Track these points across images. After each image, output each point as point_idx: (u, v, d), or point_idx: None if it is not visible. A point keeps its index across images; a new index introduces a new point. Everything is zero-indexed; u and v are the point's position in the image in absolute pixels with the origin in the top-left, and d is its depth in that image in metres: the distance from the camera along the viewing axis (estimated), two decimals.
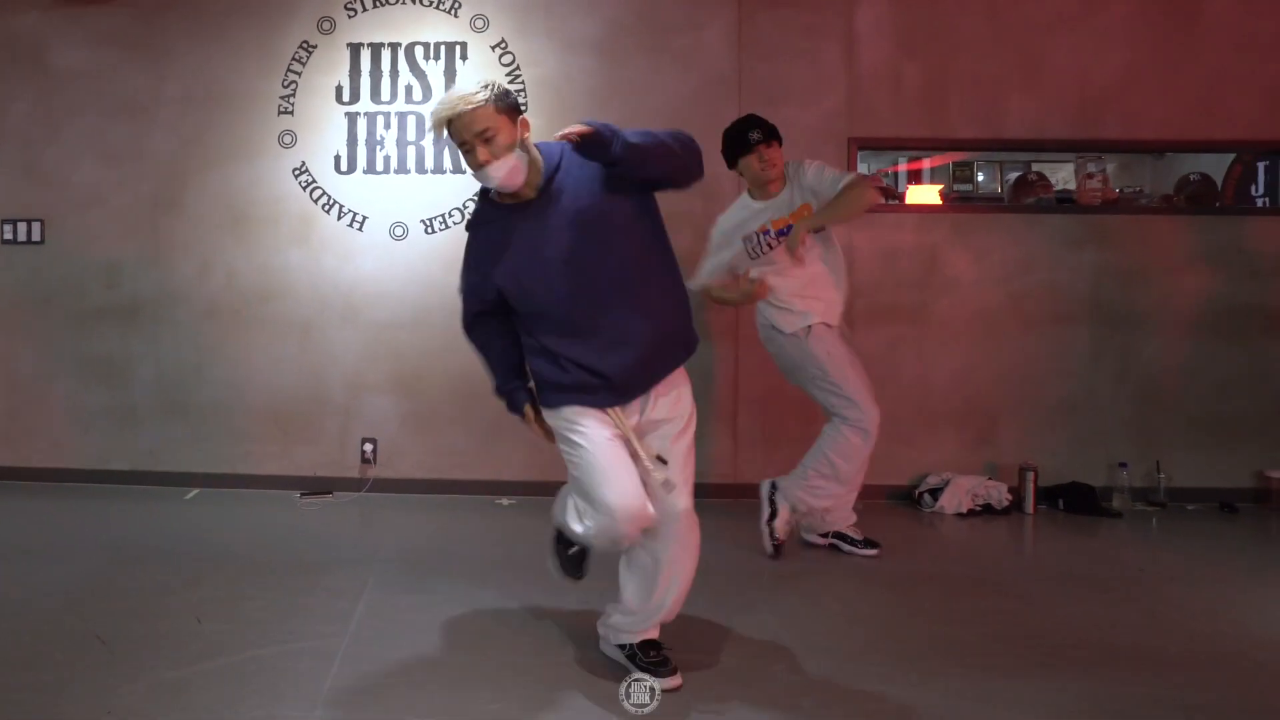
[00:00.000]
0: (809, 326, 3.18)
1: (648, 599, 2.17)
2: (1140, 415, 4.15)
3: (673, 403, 2.13)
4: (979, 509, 3.97)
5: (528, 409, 2.17)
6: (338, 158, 4.17)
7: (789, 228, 3.13)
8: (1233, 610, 2.78)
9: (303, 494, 4.09)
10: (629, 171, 1.92)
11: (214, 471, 4.19)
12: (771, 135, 3.17)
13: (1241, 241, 4.14)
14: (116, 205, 4.23)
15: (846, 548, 3.34)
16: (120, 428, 4.24)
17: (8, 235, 4.23)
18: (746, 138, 3.15)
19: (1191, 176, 4.43)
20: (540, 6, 4.14)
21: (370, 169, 4.16)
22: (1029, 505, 3.99)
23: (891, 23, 4.13)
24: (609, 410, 2.06)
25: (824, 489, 3.25)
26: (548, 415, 2.13)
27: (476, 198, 2.21)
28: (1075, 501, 4.02)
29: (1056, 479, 4.08)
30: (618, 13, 4.14)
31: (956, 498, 3.98)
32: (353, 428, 4.20)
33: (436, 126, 1.96)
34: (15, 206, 4.24)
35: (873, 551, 3.31)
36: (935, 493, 4.02)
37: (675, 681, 2.12)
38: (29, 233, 4.22)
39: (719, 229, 3.30)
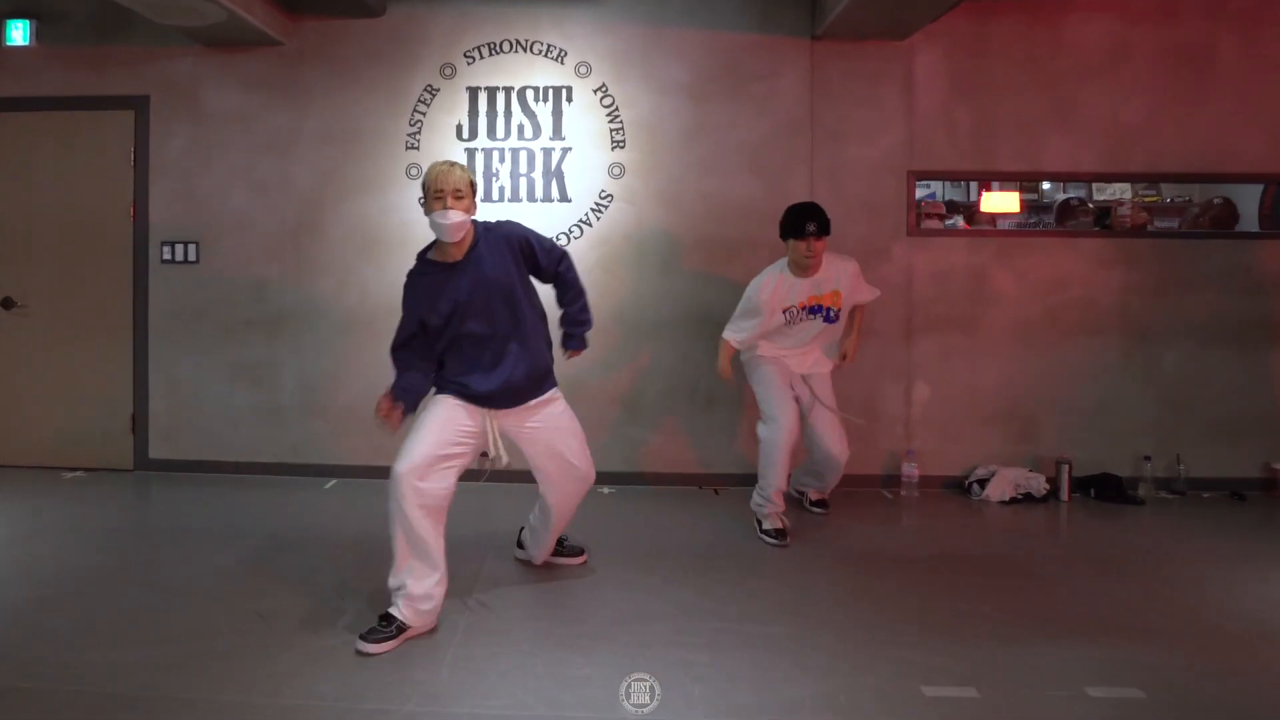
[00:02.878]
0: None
1: None
2: (1162, 414, 4.64)
3: (551, 414, 3.03)
4: (1020, 497, 4.44)
5: (387, 402, 2.82)
6: None
7: (818, 306, 3.76)
8: (1218, 587, 3.22)
9: None
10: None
11: (349, 464, 4.68)
12: (824, 231, 3.65)
13: (1250, 262, 4.64)
14: (263, 230, 4.74)
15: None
16: (267, 425, 4.74)
17: (166, 255, 4.72)
18: (804, 227, 3.62)
19: (1215, 200, 4.83)
20: (637, 54, 4.65)
21: (486, 198, 4.66)
22: (1064, 493, 4.48)
23: (945, 71, 4.65)
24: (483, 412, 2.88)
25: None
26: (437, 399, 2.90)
27: (417, 258, 2.94)
28: (1104, 490, 4.51)
29: (1088, 470, 4.58)
30: (705, 61, 4.65)
31: (1001, 487, 4.47)
32: None
33: (432, 180, 2.75)
34: (173, 230, 4.74)
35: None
36: (983, 483, 4.53)
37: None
38: (185, 253, 4.72)
39: (760, 298, 3.73)
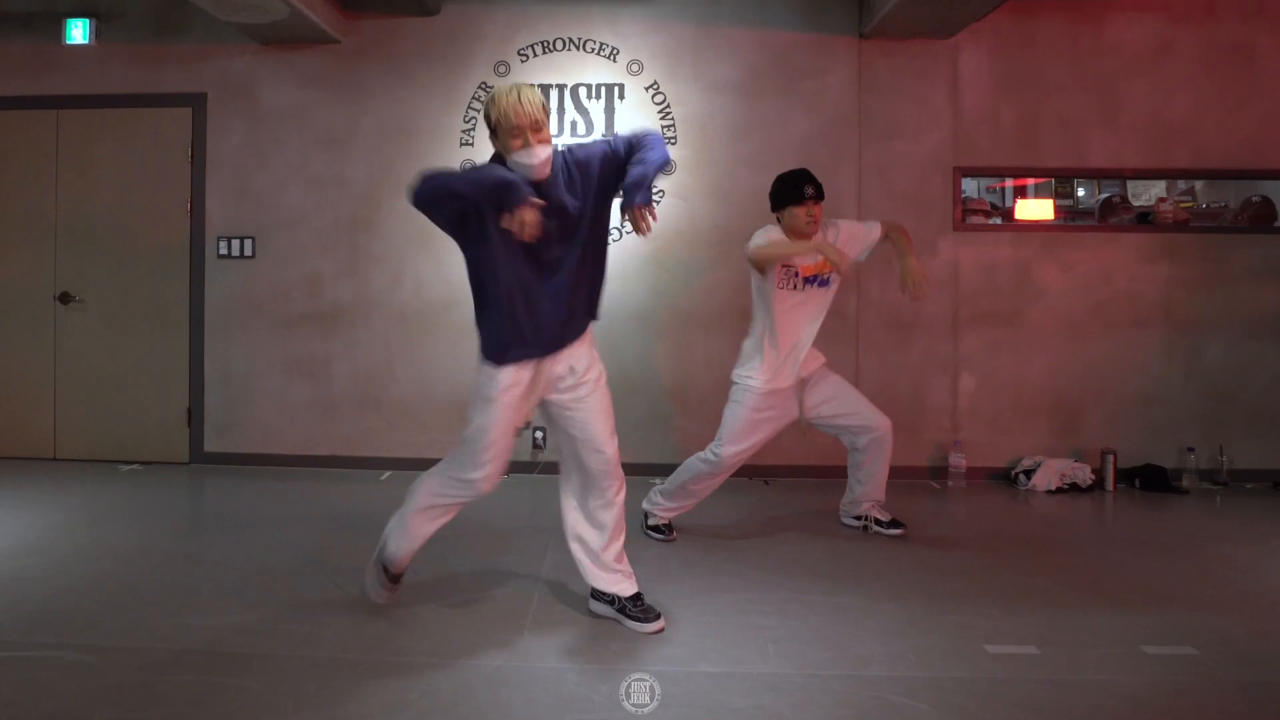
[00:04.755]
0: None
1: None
2: (1206, 407, 4.70)
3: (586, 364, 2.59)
4: (1066, 487, 4.51)
5: (528, 205, 2.26)
6: None
7: (815, 276, 3.36)
8: (1266, 564, 3.33)
9: None
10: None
11: (404, 456, 4.72)
12: (821, 196, 3.32)
13: None
14: (318, 224, 4.79)
15: (875, 529, 3.69)
16: (321, 419, 4.79)
17: (223, 250, 4.78)
18: (802, 191, 3.27)
19: (1254, 198, 4.85)
20: (688, 53, 4.72)
21: None
22: (1109, 484, 4.55)
23: (990, 69, 4.72)
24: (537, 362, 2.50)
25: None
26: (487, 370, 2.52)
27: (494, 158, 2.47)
28: (1149, 481, 4.57)
29: (1133, 462, 4.64)
30: (755, 59, 4.72)
31: (1047, 477, 4.53)
32: None
33: (504, 114, 2.32)
34: (230, 225, 4.80)
35: (898, 531, 3.64)
36: (1029, 473, 4.59)
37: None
38: (241, 248, 4.77)
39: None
